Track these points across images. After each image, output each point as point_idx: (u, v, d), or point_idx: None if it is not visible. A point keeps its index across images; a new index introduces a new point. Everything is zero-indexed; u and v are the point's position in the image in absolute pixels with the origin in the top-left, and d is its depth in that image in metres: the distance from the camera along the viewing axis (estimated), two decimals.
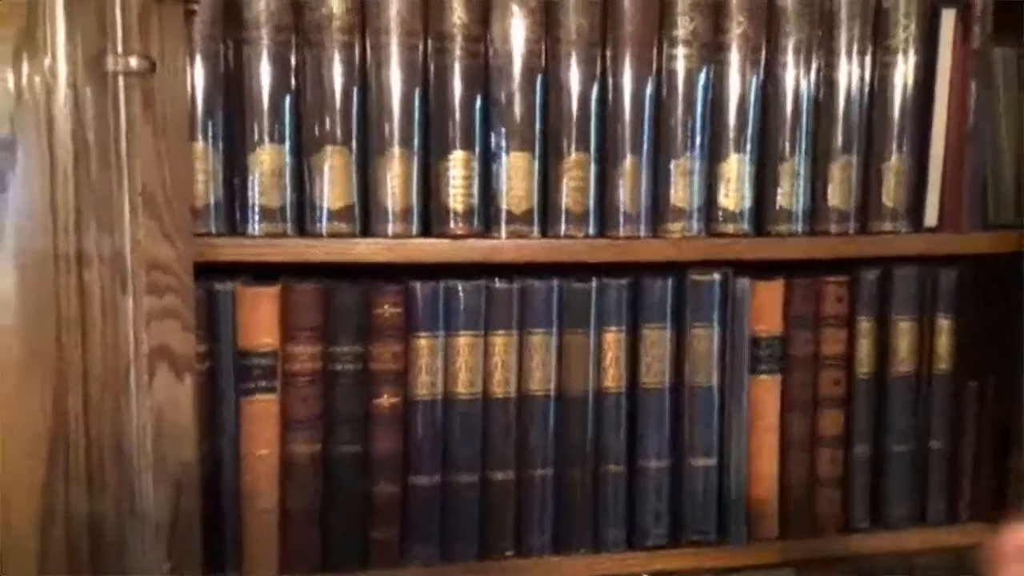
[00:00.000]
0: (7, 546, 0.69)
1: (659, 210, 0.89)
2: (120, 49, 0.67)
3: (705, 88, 0.88)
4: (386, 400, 0.85)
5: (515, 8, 0.84)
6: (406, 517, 0.86)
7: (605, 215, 0.88)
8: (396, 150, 0.83)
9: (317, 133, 0.82)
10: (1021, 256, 0.94)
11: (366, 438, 0.85)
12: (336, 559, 0.85)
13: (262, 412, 0.83)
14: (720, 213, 0.90)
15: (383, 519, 0.85)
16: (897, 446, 0.96)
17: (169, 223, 0.70)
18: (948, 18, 0.93)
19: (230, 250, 0.80)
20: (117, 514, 0.71)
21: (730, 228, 0.90)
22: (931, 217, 0.94)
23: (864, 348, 0.94)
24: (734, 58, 0.88)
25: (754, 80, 0.89)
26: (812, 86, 0.91)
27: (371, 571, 0.85)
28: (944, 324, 0.96)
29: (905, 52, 0.92)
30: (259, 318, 0.82)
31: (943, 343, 0.96)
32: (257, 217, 0.81)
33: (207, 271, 0.78)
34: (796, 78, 0.90)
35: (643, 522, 0.91)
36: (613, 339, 0.89)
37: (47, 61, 0.68)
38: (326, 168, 0.82)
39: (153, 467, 0.71)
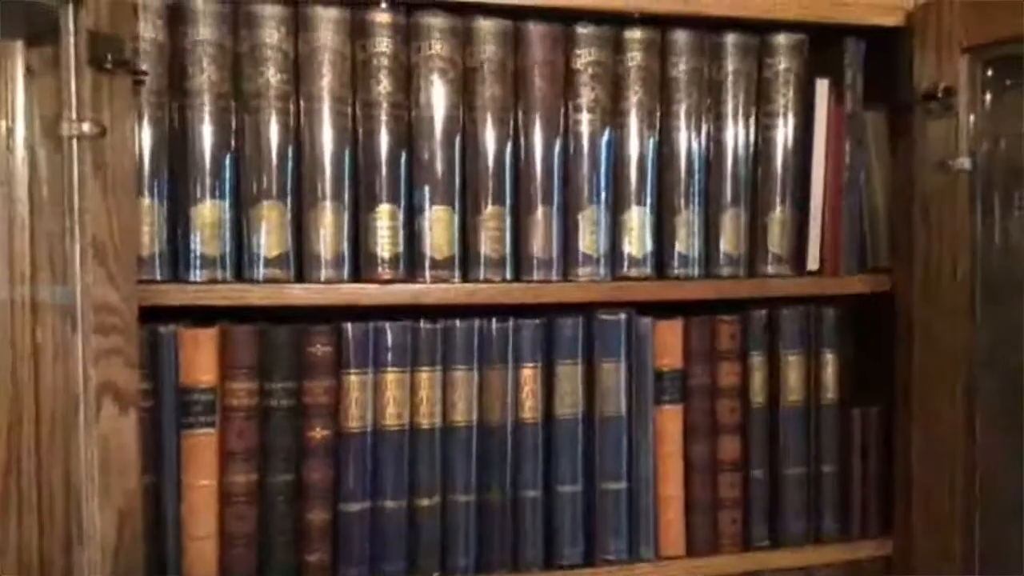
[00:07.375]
0: None
1: (569, 257, 0.98)
2: (74, 116, 0.74)
3: (608, 148, 0.98)
4: (318, 432, 0.91)
5: (435, 78, 0.93)
6: (338, 541, 0.92)
7: (520, 261, 0.96)
8: (328, 203, 0.91)
9: (255, 189, 0.90)
10: (894, 296, 1.05)
11: (300, 468, 0.91)
12: None
13: (202, 445, 0.89)
14: (624, 259, 0.99)
15: (316, 543, 0.91)
16: (791, 469, 1.04)
17: (116, 270, 0.77)
18: (822, 87, 1.04)
19: (173, 295, 0.87)
20: (65, 538, 0.77)
21: (633, 272, 0.99)
22: (813, 262, 1.04)
23: (757, 380, 1.03)
24: (632, 122, 0.99)
25: (651, 141, 1.00)
26: (703, 147, 1.01)
27: None
28: (829, 358, 1.05)
29: (785, 116, 1.03)
30: (199, 358, 0.88)
31: (829, 375, 1.05)
32: (198, 264, 0.88)
33: (152, 315, 0.85)
34: (688, 139, 1.00)
35: (559, 543, 0.98)
36: (529, 374, 0.97)
37: (7, 125, 0.76)
38: (263, 220, 0.90)
39: (99, 494, 0.77)
